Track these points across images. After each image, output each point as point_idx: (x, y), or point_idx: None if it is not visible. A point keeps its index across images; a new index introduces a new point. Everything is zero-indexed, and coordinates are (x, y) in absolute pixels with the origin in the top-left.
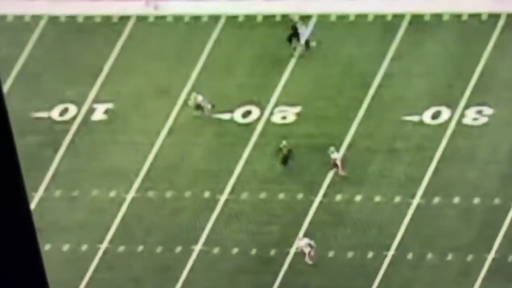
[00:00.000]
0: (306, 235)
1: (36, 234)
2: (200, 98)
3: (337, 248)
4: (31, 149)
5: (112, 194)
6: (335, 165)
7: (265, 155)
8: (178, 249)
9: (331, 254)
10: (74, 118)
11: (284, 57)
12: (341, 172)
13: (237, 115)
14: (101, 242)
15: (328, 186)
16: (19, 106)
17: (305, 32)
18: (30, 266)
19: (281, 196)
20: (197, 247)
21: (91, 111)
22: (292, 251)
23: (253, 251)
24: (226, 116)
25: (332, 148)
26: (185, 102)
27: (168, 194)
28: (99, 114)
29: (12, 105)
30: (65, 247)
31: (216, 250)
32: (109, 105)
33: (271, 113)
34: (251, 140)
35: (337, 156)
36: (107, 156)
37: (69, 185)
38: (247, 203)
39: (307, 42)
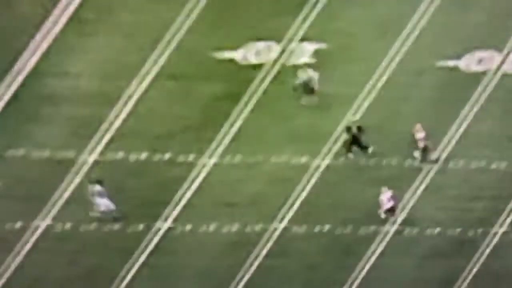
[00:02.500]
0: None
1: None
2: (311, 72)
3: None
4: (208, 101)
5: (300, 160)
6: (424, 148)
7: (494, 113)
8: (371, 228)
9: None
10: (267, 62)
11: None
12: (432, 156)
13: (465, 63)
14: (276, 220)
15: None
16: (197, 43)
17: None
18: None
19: (494, 165)
20: (393, 228)
21: (291, 53)
22: (499, 231)
23: (449, 232)
24: (451, 63)
25: (417, 126)
26: (404, 43)
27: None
28: (304, 57)
29: (189, 43)
30: (231, 228)
31: (408, 230)
32: (319, 45)
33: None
34: (475, 93)
35: (422, 135)
36: (301, 112)
37: (249, 148)
38: (454, 173)
39: None
